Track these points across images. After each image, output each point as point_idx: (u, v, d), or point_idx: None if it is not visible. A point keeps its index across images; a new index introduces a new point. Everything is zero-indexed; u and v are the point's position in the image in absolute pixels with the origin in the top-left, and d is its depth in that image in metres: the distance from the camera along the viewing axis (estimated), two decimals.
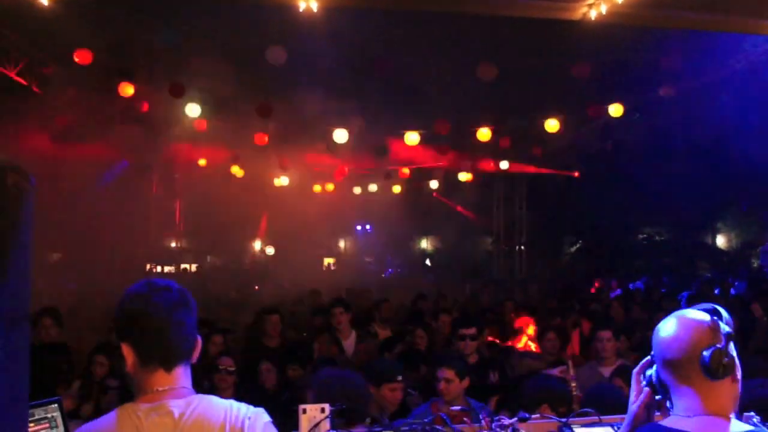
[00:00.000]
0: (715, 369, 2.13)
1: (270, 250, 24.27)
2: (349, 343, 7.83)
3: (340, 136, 12.47)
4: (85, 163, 12.24)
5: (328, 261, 25.24)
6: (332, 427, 3.54)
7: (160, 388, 2.32)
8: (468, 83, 10.50)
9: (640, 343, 8.58)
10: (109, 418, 2.30)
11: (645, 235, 25.96)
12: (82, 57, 9.60)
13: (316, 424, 3.54)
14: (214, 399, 2.38)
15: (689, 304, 11.69)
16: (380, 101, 11.11)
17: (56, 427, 3.34)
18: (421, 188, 20.26)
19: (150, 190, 14.85)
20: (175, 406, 2.30)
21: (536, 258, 22.45)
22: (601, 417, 3.75)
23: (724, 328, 2.21)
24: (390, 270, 24.80)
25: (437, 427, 3.56)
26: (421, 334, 7.96)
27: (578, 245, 25.52)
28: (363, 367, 5.92)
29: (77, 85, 10.63)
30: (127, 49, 10.05)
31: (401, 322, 9.55)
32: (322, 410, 3.59)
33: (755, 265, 20.97)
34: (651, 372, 2.35)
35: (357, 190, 20.15)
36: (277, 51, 8.88)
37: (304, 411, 3.59)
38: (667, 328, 2.27)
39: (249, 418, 2.32)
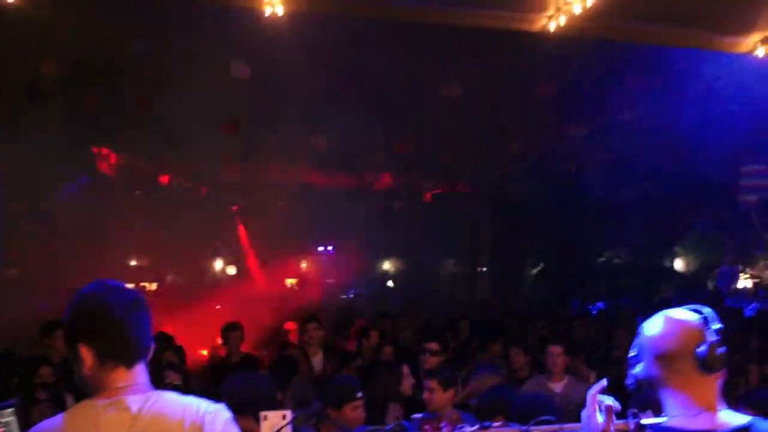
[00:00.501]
0: (711, 363, 2.21)
1: (231, 270, 24.08)
2: (317, 360, 7.84)
3: None
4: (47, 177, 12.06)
5: (289, 282, 25.06)
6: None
7: (120, 385, 2.31)
8: (431, 102, 10.59)
9: (598, 361, 8.71)
10: (64, 416, 2.27)
11: (604, 258, 26.18)
12: (48, 69, 9.53)
13: (278, 431, 3.53)
14: (173, 395, 2.37)
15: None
16: (346, 118, 11.13)
17: None
18: (384, 208, 20.26)
19: (110, 207, 14.63)
20: (133, 401, 2.28)
21: (499, 280, 22.57)
22: (563, 425, 3.79)
23: (714, 324, 2.29)
24: (352, 291, 24.70)
25: None
26: (388, 351, 8.03)
27: (540, 267, 25.67)
28: (321, 389, 5.92)
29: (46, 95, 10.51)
30: (93, 62, 9.96)
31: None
32: (284, 417, 3.58)
33: (711, 287, 21.29)
34: (638, 370, 2.43)
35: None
36: (240, 65, 8.90)
37: (265, 417, 3.57)
38: (657, 325, 2.36)
39: (209, 413, 2.31)
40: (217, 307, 20.08)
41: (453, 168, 15.37)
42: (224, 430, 2.31)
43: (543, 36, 4.77)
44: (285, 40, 7.99)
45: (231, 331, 7.92)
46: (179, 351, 7.76)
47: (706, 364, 2.21)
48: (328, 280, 25.07)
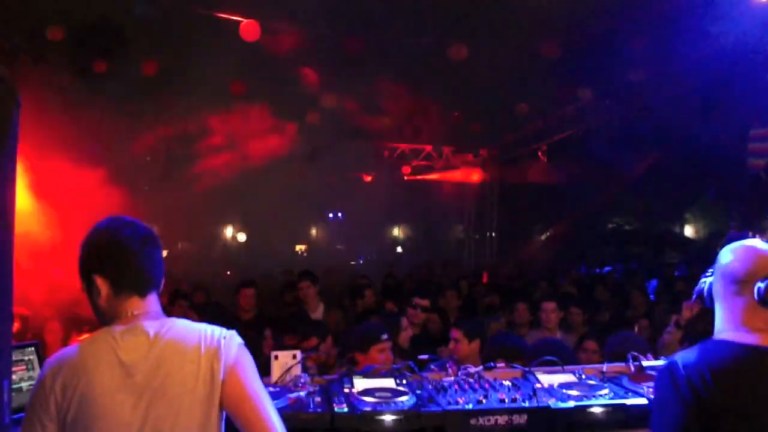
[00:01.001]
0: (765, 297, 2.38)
1: (242, 237, 24.27)
2: (317, 315, 7.97)
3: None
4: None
5: (299, 248, 25.26)
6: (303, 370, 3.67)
7: (135, 312, 2.43)
8: (438, 64, 10.59)
9: (606, 320, 8.90)
10: (82, 344, 2.39)
11: (614, 225, 26.23)
12: (53, 33, 9.56)
13: (288, 369, 3.66)
14: (187, 321, 2.50)
15: (658, 292, 11.82)
16: (352, 81, 11.14)
17: (33, 369, 3.42)
18: (392, 174, 20.31)
19: (120, 174, 14.68)
20: (150, 326, 2.41)
21: (507, 245, 22.63)
22: (564, 366, 3.91)
23: None
24: (362, 257, 24.88)
25: (405, 372, 3.68)
26: (390, 306, 8.22)
27: (549, 233, 25.74)
28: (345, 335, 6.06)
29: (49, 63, 10.55)
30: (100, 26, 9.98)
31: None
32: (294, 356, 3.70)
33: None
34: (704, 284, 2.67)
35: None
36: (251, 25, 8.91)
37: (276, 357, 3.70)
38: (737, 250, 2.53)
39: (224, 338, 2.44)
40: (228, 273, 20.33)
41: (461, 131, 15.32)
42: (238, 353, 2.44)
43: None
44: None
45: (244, 288, 8.01)
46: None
47: (762, 298, 2.38)
48: (338, 246, 25.26)
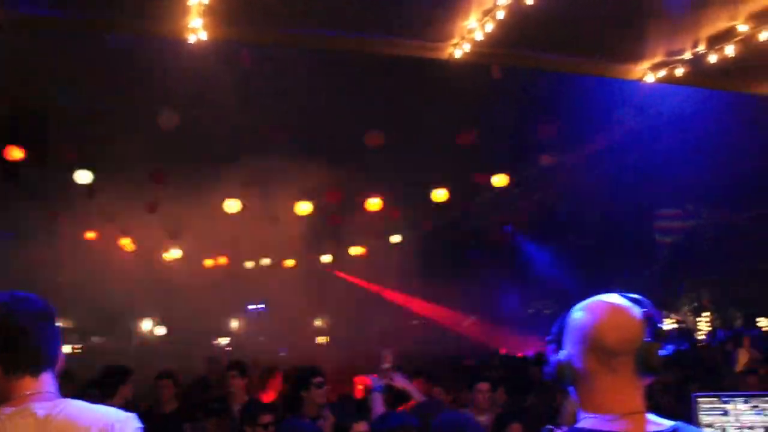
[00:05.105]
0: (656, 365, 1.94)
1: (160, 330, 23.65)
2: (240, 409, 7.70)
3: (232, 206, 12.35)
4: None
5: (221, 340, 24.75)
6: None
7: (27, 392, 2.30)
8: (356, 151, 10.69)
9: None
10: None
11: (533, 310, 26.47)
12: None
13: None
14: (83, 403, 2.36)
15: None
16: (273, 169, 11.16)
17: None
18: (314, 263, 20.21)
19: (29, 263, 14.23)
20: (41, 408, 2.27)
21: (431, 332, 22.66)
22: None
23: (658, 322, 2.01)
24: (285, 349, 24.44)
25: None
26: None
27: (472, 319, 25.83)
28: None
29: None
30: (16, 113, 9.83)
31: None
32: None
33: None
34: (562, 356, 2.11)
35: (249, 264, 19.87)
36: (169, 115, 8.88)
37: None
38: (602, 313, 2.03)
39: (119, 421, 2.31)
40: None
41: (382, 220, 15.42)
42: None
43: (449, 64, 5.05)
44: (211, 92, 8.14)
45: (160, 379, 7.76)
46: None
47: (649, 367, 1.93)
48: (260, 339, 24.81)
